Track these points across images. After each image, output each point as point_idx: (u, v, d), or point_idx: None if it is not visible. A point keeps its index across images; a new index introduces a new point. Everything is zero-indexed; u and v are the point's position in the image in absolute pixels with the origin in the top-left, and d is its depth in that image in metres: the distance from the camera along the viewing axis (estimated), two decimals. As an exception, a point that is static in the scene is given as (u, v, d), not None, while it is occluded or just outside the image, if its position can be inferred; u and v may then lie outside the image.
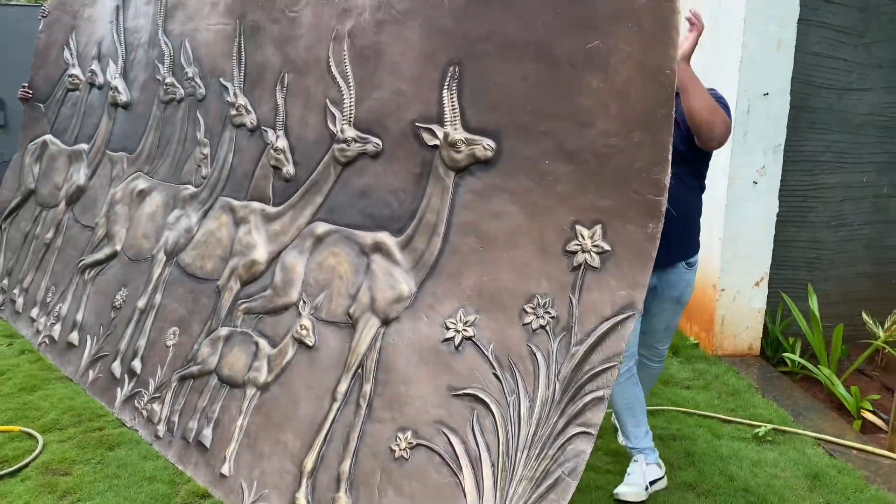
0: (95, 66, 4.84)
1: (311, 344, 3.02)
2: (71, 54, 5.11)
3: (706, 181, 3.08)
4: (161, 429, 3.37)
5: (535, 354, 2.42)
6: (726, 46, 4.21)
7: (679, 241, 2.96)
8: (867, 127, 4.47)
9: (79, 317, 4.19)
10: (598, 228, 2.35)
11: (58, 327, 4.30)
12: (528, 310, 2.47)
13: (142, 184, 4.25)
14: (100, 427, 3.67)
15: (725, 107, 2.84)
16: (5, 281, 5.05)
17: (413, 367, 2.71)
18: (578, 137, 2.40)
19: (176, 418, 3.35)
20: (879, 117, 4.46)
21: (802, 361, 4.16)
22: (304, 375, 3.00)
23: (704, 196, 3.14)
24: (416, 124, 2.84)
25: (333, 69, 3.20)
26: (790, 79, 4.21)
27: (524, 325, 2.47)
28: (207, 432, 3.16)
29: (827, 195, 4.47)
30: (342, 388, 2.85)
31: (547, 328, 2.41)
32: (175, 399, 3.41)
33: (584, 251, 2.37)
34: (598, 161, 2.35)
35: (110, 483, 3.17)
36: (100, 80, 4.79)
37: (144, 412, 3.50)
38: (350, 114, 3.11)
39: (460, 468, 2.45)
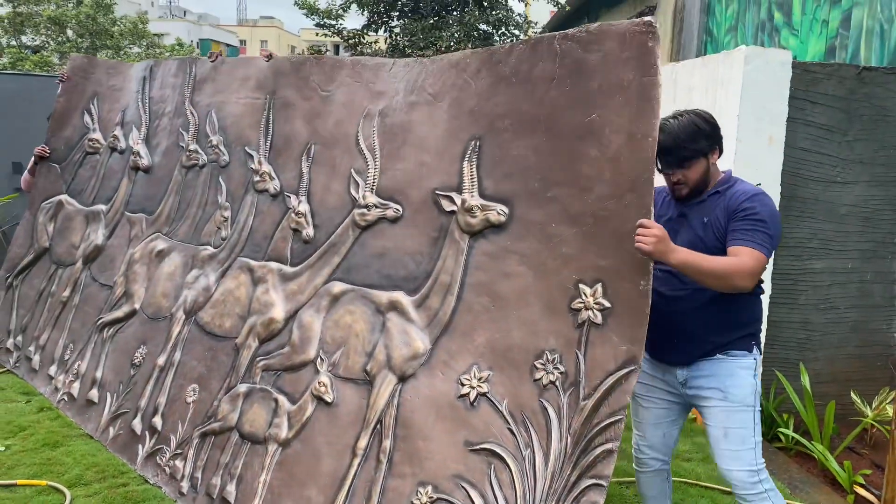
0: (118, 132, 5.06)
1: (329, 400, 3.15)
2: (92, 119, 5.33)
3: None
4: (185, 485, 3.47)
5: (546, 409, 2.56)
6: (724, 142, 4.48)
7: (715, 330, 2.68)
8: (851, 217, 4.69)
9: (98, 374, 4.31)
10: (599, 287, 2.53)
11: (77, 385, 4.41)
12: (539, 366, 2.62)
13: (161, 244, 4.43)
14: (124, 483, 3.63)
15: (772, 215, 2.58)
16: (19, 338, 5.15)
17: (431, 422, 2.84)
18: (580, 202, 2.61)
19: (199, 474, 3.45)
20: (862, 209, 4.70)
21: (797, 437, 4.26)
22: (325, 431, 3.12)
23: None
24: (437, 192, 3.05)
25: (361, 143, 3.44)
26: (780, 171, 4.48)
27: (535, 380, 2.62)
28: (231, 488, 3.27)
29: (816, 279, 4.67)
30: (362, 443, 2.97)
31: (556, 383, 2.56)
32: (197, 455, 3.51)
33: (587, 308, 2.54)
34: (597, 223, 2.55)
35: None
36: (122, 145, 5.00)
37: (167, 469, 3.60)
38: (373, 182, 3.32)
39: None
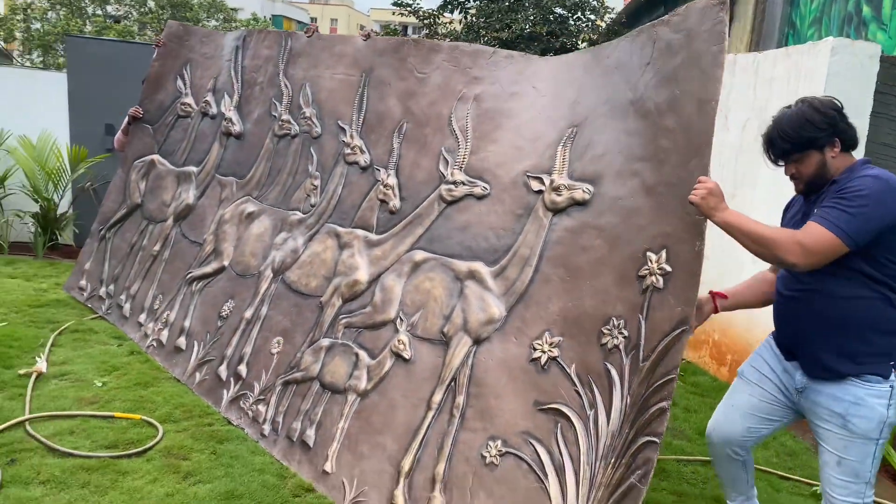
0: (210, 98, 5.36)
1: (407, 357, 3.39)
2: (184, 84, 5.65)
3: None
4: (266, 428, 3.75)
5: (610, 372, 2.73)
6: None
7: (836, 339, 2.43)
8: None
9: (186, 324, 4.63)
10: (664, 252, 2.67)
11: (166, 332, 4.74)
12: (606, 331, 2.80)
13: (251, 207, 4.71)
14: (209, 423, 3.90)
15: (874, 193, 2.28)
16: (111, 287, 5.54)
17: (503, 382, 3.05)
18: (657, 174, 2.77)
19: (280, 419, 3.72)
20: None
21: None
22: (401, 385, 3.36)
23: None
24: (528, 174, 3.26)
25: (454, 123, 3.67)
26: None
27: (601, 345, 2.80)
28: (311, 433, 3.53)
29: None
30: (437, 398, 3.20)
31: (620, 347, 2.73)
32: (279, 401, 3.79)
33: (651, 274, 2.69)
34: (668, 192, 2.70)
35: (225, 470, 3.38)
36: (213, 110, 5.31)
37: (250, 412, 3.88)
38: (462, 161, 3.55)
39: (546, 475, 2.77)
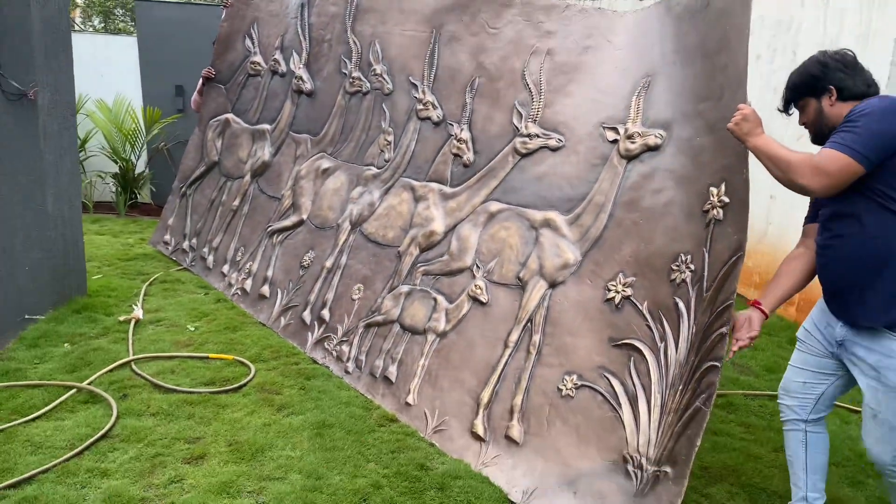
0: (278, 56, 5.59)
1: (484, 301, 3.62)
2: (253, 43, 5.87)
3: None
4: (350, 366, 4.05)
5: (678, 305, 2.92)
6: (877, 66, 4.44)
7: (853, 290, 2.44)
8: None
9: (269, 273, 4.95)
10: (723, 185, 2.82)
11: (249, 281, 5.08)
12: (674, 268, 2.98)
13: (326, 163, 4.98)
14: (295, 362, 4.20)
15: (874, 112, 2.28)
16: (194, 240, 5.90)
17: (578, 322, 3.26)
18: (716, 110, 2.91)
19: (363, 357, 4.02)
20: None
21: None
22: (479, 326, 3.60)
23: None
24: (604, 125, 3.43)
25: (527, 77, 3.82)
26: None
27: (671, 281, 2.98)
28: (393, 369, 3.82)
29: None
30: (514, 337, 3.43)
31: (687, 280, 2.90)
32: (362, 342, 4.09)
33: (713, 208, 2.85)
34: (723, 126, 2.79)
35: (315, 403, 3.68)
36: (282, 68, 5.54)
37: (334, 352, 4.20)
38: (536, 114, 3.72)
39: (619, 405, 2.99)
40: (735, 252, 2.71)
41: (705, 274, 2.83)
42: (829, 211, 2.49)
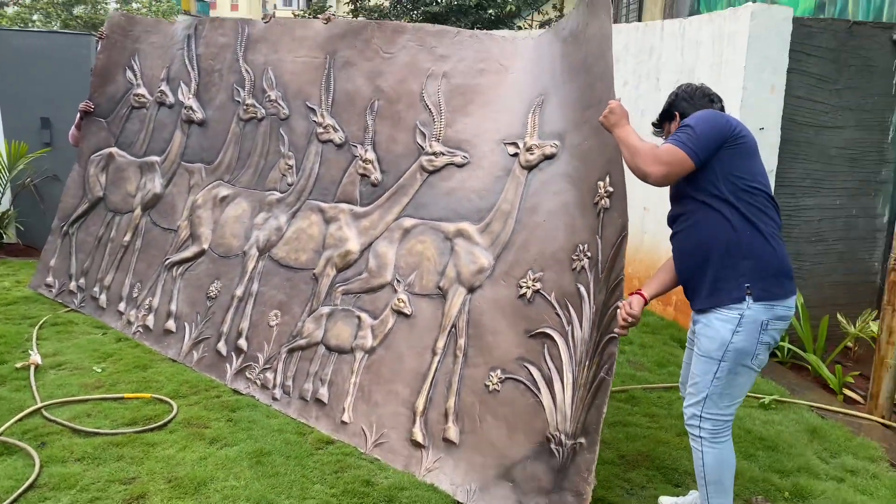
0: (165, 87, 5.48)
1: (408, 313, 3.78)
2: (135, 75, 5.73)
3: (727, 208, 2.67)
4: (278, 392, 4.07)
5: (580, 290, 3.21)
6: (730, 91, 5.08)
7: (692, 279, 2.78)
8: (839, 158, 5.39)
9: (173, 307, 4.84)
10: (607, 178, 3.14)
11: (151, 317, 4.94)
12: (574, 257, 3.27)
13: (224, 191, 4.93)
14: (217, 395, 4.13)
15: (701, 117, 2.70)
16: (82, 280, 5.63)
17: (497, 320, 3.50)
18: (598, 114, 3.15)
19: (290, 383, 4.05)
20: (850, 151, 5.41)
21: (794, 349, 5.00)
22: (406, 338, 3.75)
23: None
24: (504, 142, 3.70)
25: (426, 99, 4.02)
26: (780, 117, 5.11)
27: (572, 269, 3.27)
28: (324, 391, 3.88)
29: (807, 215, 5.33)
30: (440, 343, 3.61)
31: (586, 267, 3.21)
32: (286, 368, 4.11)
33: (602, 198, 3.16)
34: (603, 131, 3.11)
35: (247, 433, 3.64)
36: (170, 99, 5.44)
37: (258, 381, 4.19)
38: (439, 133, 3.93)
39: (539, 390, 3.23)
40: (620, 232, 3.01)
41: (599, 258, 3.12)
42: (671, 213, 2.86)
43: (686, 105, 2.90)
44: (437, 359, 3.60)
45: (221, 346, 4.46)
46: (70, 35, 8.73)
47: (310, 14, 12.44)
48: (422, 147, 3.98)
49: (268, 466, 3.35)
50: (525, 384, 3.28)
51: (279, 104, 4.71)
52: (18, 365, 4.46)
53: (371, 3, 12.76)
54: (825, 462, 3.64)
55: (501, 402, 3.33)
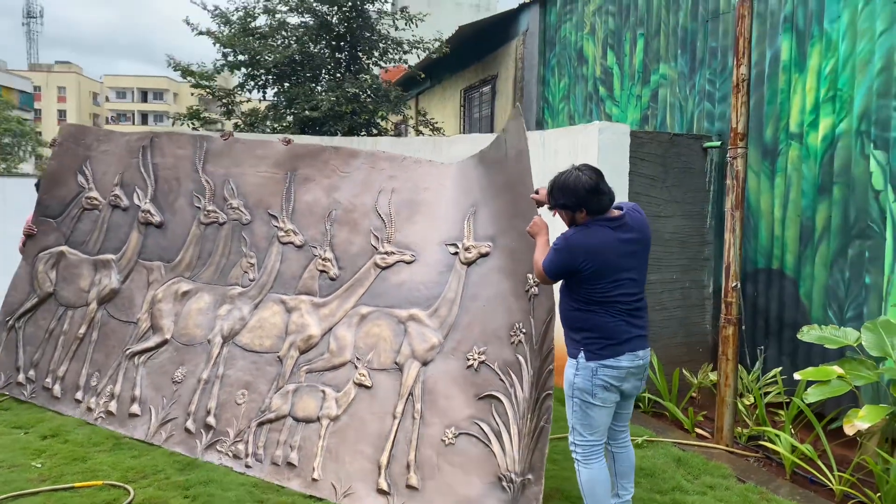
0: (118, 192, 6.08)
1: (369, 385, 4.55)
2: (87, 179, 6.28)
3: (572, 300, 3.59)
4: (250, 460, 4.65)
5: (518, 359, 4.12)
6: None
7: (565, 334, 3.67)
8: (672, 241, 6.73)
9: (136, 392, 5.31)
10: (532, 273, 4.07)
11: (114, 403, 5.37)
12: (512, 333, 4.19)
13: (185, 286, 5.56)
14: (165, 477, 4.43)
15: (556, 248, 3.46)
16: (31, 372, 5.93)
17: (449, 387, 4.33)
18: (523, 223, 4.12)
19: (261, 451, 4.65)
20: (679, 235, 6.79)
21: (654, 398, 6.05)
22: (368, 406, 4.50)
23: None
24: (445, 243, 4.65)
25: (379, 209, 4.94)
26: None
27: (511, 343, 4.18)
28: (294, 455, 4.52)
29: (652, 288, 6.28)
30: (399, 408, 4.40)
31: (523, 340, 4.12)
32: (256, 439, 4.71)
33: (531, 287, 4.12)
34: (529, 236, 4.04)
35: None
36: (124, 203, 6.04)
37: (230, 453, 4.75)
38: (390, 236, 4.85)
39: (490, 441, 4.07)
40: (549, 313, 3.94)
41: (533, 332, 4.05)
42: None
43: (556, 195, 3.52)
44: (396, 421, 4.36)
45: (190, 425, 4.98)
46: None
47: (183, 117, 12.94)
48: (376, 248, 4.87)
49: None
50: (477, 437, 4.09)
51: (241, 211, 5.47)
52: None
53: (245, 108, 13.22)
54: (690, 482, 4.58)
55: (457, 452, 4.12)
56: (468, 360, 4.34)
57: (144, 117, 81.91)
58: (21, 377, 5.97)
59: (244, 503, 4.11)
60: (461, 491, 4.03)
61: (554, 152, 6.82)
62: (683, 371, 6.27)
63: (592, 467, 3.56)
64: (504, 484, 3.93)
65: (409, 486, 4.16)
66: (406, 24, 12.44)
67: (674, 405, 5.90)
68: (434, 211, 4.82)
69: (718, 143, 6.81)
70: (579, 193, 3.42)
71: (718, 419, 5.35)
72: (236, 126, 12.70)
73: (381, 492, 4.20)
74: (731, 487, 4.51)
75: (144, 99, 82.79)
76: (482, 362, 4.28)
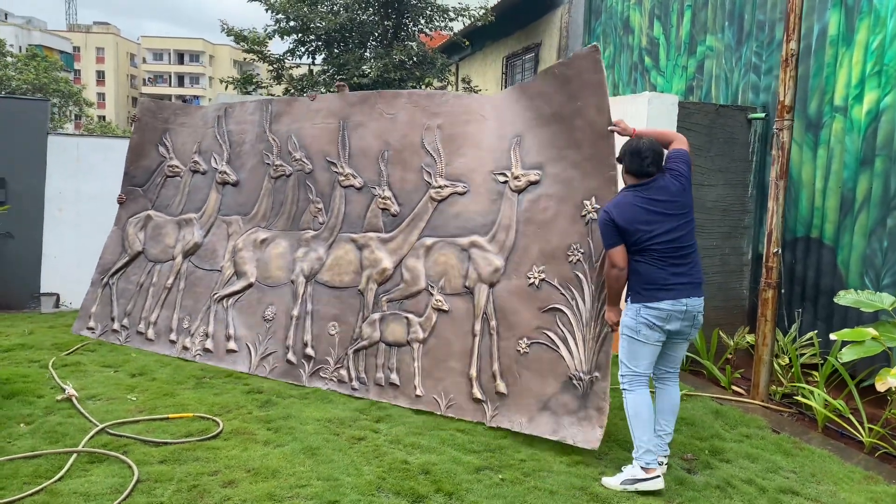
0: (198, 158, 6.68)
1: (446, 309, 5.10)
2: (167, 150, 6.90)
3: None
4: (355, 384, 5.29)
5: (578, 275, 4.58)
6: None
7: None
8: (714, 209, 6.65)
9: (231, 331, 5.97)
10: (593, 199, 4.52)
11: (210, 342, 6.04)
12: (569, 253, 4.63)
13: (262, 234, 6.13)
14: (248, 412, 4.75)
15: (600, 221, 4.09)
16: (125, 320, 6.62)
17: (515, 304, 4.84)
18: (577, 154, 4.58)
19: (364, 375, 5.28)
20: (721, 203, 6.68)
21: (692, 355, 6.20)
22: (449, 327, 5.07)
23: None
24: (493, 172, 5.03)
25: (427, 146, 5.32)
26: None
27: (569, 261, 4.63)
28: (395, 376, 5.15)
29: None
30: (477, 327, 4.96)
31: (581, 259, 4.57)
32: (356, 365, 5.34)
33: (588, 213, 4.55)
34: (588, 163, 4.52)
35: (291, 436, 4.32)
36: (203, 167, 6.62)
37: (334, 378, 5.40)
38: (441, 171, 5.24)
39: (557, 346, 4.60)
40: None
41: (592, 252, 4.51)
42: None
43: (628, 159, 4.05)
44: (476, 339, 4.94)
45: (291, 357, 5.63)
46: (28, 101, 9.48)
47: (238, 81, 13.26)
48: (429, 183, 5.29)
49: (321, 457, 4.07)
50: (546, 345, 4.63)
51: (304, 161, 5.94)
52: (59, 398, 4.96)
53: (297, 73, 13.35)
54: (727, 431, 4.83)
55: (531, 359, 4.69)
56: (528, 278, 4.80)
57: (181, 79, 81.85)
58: (116, 325, 6.67)
59: (322, 434, 4.45)
60: (540, 391, 4.61)
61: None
62: (720, 333, 6.42)
63: (637, 392, 4.02)
64: (575, 382, 4.48)
65: (498, 393, 4.77)
66: None
67: (711, 363, 6.16)
68: (479, 142, 5.16)
69: (763, 115, 6.90)
70: (645, 157, 3.98)
71: (755, 376, 5.59)
72: (287, 91, 12.87)
73: (476, 400, 4.83)
74: (766, 437, 4.77)
75: (181, 61, 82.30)
76: (542, 279, 4.74)
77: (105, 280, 6.91)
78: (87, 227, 8.22)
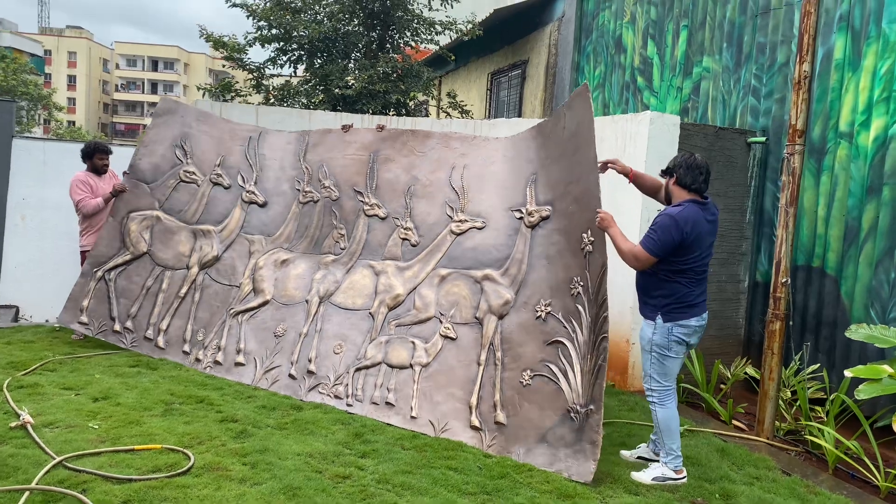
0: (220, 171, 6.84)
1: (454, 336, 5.30)
2: (185, 154, 6.96)
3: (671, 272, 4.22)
4: (351, 400, 5.38)
5: (578, 308, 4.72)
6: (634, 165, 5.78)
7: (640, 298, 4.48)
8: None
9: (242, 345, 6.06)
10: (589, 231, 4.71)
11: (221, 354, 6.12)
12: (571, 287, 4.81)
13: (284, 255, 6.36)
14: (221, 444, 4.36)
15: (662, 226, 4.12)
16: (129, 323, 6.56)
17: (523, 336, 5.02)
18: (578, 188, 4.83)
19: (360, 393, 5.38)
20: (719, 229, 6.42)
21: (690, 387, 6.09)
22: (454, 355, 5.23)
23: None
24: (510, 209, 5.36)
25: (454, 183, 5.69)
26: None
27: (571, 294, 4.81)
28: (392, 396, 5.25)
29: None
30: (483, 357, 5.13)
31: (581, 292, 4.73)
32: (355, 383, 5.45)
33: (587, 245, 4.72)
34: (584, 197, 4.73)
35: (270, 474, 3.94)
36: (226, 182, 6.81)
37: (331, 394, 5.49)
38: (463, 207, 5.59)
39: (558, 379, 4.72)
40: (601, 268, 4.52)
41: (589, 285, 4.66)
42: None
43: (682, 174, 4.26)
44: (481, 368, 5.09)
45: (293, 371, 5.73)
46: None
47: (216, 89, 13.14)
48: (450, 217, 5.63)
49: (303, 498, 3.69)
50: (548, 377, 4.77)
51: (332, 189, 6.28)
52: (13, 424, 4.48)
53: (277, 83, 13.13)
54: (735, 472, 4.61)
55: (533, 391, 4.81)
56: (536, 311, 5.01)
57: (154, 86, 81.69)
58: (118, 326, 6.58)
59: (302, 471, 4.06)
60: (539, 423, 4.71)
61: (600, 140, 7.06)
62: (718, 364, 6.20)
63: (668, 406, 4.32)
64: (572, 415, 4.57)
65: (497, 423, 4.86)
66: (441, 5, 12.71)
67: (711, 396, 6.00)
68: (500, 180, 5.55)
69: (764, 139, 6.89)
70: (702, 172, 4.23)
71: (760, 412, 5.41)
72: (266, 100, 12.68)
73: (474, 428, 4.91)
74: (777, 479, 4.54)
75: (155, 68, 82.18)
76: (549, 313, 4.94)
77: (100, 274, 6.72)
78: (51, 236, 7.98)
